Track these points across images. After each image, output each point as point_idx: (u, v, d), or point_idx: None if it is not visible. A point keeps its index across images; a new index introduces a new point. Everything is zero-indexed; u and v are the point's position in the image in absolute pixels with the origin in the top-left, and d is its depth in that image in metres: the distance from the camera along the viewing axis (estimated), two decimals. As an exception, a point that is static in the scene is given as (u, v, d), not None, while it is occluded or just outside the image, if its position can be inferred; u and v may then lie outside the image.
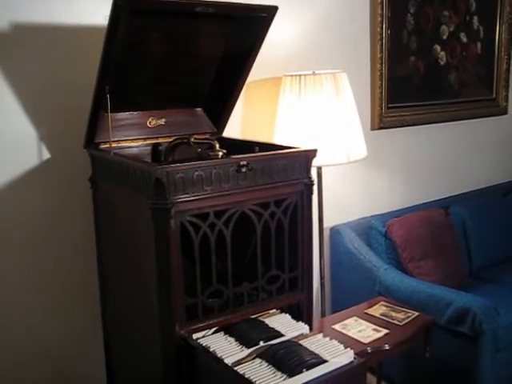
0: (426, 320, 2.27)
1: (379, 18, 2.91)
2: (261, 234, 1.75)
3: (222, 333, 1.71)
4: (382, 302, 2.44)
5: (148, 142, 2.07)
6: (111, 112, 1.85)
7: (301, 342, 1.65)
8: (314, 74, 2.32)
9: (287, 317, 1.82)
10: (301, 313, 1.89)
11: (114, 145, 1.94)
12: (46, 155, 2.07)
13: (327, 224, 2.91)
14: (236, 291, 1.74)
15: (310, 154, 1.82)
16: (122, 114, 2.01)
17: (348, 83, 2.39)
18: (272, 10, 1.91)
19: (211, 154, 1.82)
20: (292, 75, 2.34)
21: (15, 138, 2.00)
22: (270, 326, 1.74)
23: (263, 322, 1.77)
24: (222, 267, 1.70)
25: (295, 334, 1.71)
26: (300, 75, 2.31)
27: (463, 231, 3.15)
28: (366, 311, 2.37)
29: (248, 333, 1.68)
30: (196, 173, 1.58)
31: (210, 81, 2.14)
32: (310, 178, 1.83)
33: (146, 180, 1.56)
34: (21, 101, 1.99)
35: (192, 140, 1.96)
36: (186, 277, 1.65)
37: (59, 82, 2.05)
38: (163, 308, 1.60)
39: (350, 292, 2.80)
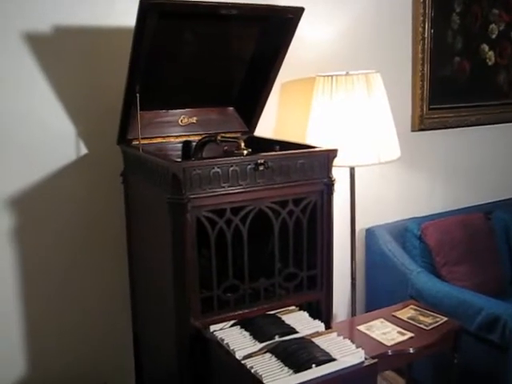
0: (454, 326, 2.23)
1: (421, 18, 2.87)
2: (279, 231, 1.77)
3: (239, 327, 1.74)
4: (412, 306, 2.41)
5: (180, 139, 2.14)
6: (144, 110, 1.93)
7: (313, 339, 1.66)
8: (346, 74, 2.32)
9: (304, 314, 1.84)
10: (319, 311, 1.90)
11: (146, 142, 2.01)
12: (84, 151, 2.17)
13: (364, 225, 2.90)
14: (253, 286, 1.77)
15: (331, 154, 1.82)
16: (155, 112, 2.08)
17: (381, 83, 2.37)
18: (298, 12, 1.92)
19: (236, 152, 1.87)
20: (324, 75, 2.35)
21: (56, 134, 2.11)
22: (286, 322, 1.76)
23: (280, 318, 1.79)
24: (238, 262, 1.74)
25: (310, 331, 1.72)
26: (332, 75, 2.31)
27: (506, 237, 3.05)
28: (393, 314, 2.34)
29: (263, 328, 1.70)
30: (213, 170, 1.62)
31: (241, 80, 2.17)
32: (330, 177, 1.82)
33: (164, 175, 1.62)
34: (60, 99, 2.10)
35: (219, 138, 2.01)
36: (204, 270, 1.70)
37: (97, 82, 2.14)
38: (178, 300, 1.65)
39: (384, 294, 2.78)
